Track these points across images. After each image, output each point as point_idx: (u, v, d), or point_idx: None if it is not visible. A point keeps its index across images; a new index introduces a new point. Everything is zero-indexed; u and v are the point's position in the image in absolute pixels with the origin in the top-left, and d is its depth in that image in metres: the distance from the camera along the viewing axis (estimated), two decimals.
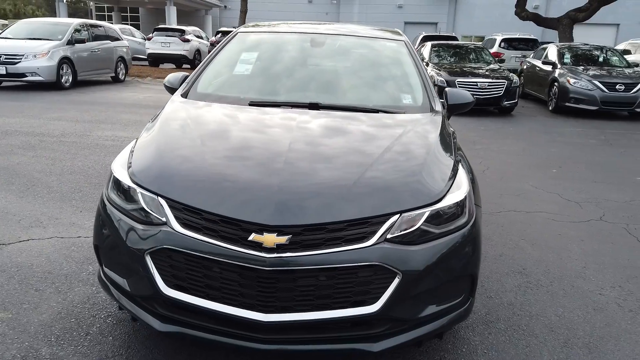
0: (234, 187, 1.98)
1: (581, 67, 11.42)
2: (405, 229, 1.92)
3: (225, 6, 35.97)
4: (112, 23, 23.94)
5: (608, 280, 3.25)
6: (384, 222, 1.90)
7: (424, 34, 18.59)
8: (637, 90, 10.40)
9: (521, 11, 18.06)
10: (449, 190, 2.10)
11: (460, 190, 2.13)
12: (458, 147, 2.61)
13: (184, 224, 1.91)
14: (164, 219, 1.94)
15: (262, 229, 1.83)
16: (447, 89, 3.37)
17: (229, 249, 1.83)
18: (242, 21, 21.82)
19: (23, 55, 10.80)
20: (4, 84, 11.73)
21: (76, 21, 12.70)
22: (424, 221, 1.95)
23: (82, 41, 12.22)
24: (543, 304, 2.91)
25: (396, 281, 1.86)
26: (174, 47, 19.37)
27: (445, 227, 2.00)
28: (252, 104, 2.86)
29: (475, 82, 10.35)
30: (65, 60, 11.48)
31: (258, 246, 1.82)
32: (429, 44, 12.75)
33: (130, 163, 2.22)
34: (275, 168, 2.08)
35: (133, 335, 2.42)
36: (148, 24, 34.50)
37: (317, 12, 34.37)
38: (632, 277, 3.32)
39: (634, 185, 5.60)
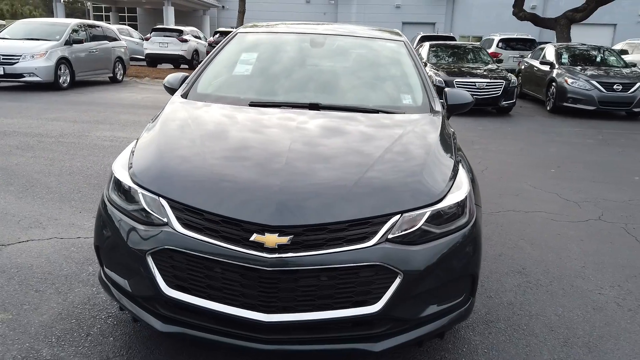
0: (236, 188, 1.99)
1: (579, 67, 11.45)
2: (406, 229, 1.92)
3: (223, 6, 35.97)
4: (109, 23, 23.90)
5: (607, 280, 3.27)
6: (385, 222, 1.90)
7: (422, 34, 18.61)
8: (635, 90, 10.43)
9: (519, 11, 18.11)
10: (449, 190, 2.10)
11: (460, 191, 2.14)
12: (458, 148, 2.62)
13: (185, 225, 1.91)
14: (165, 220, 1.94)
15: (263, 229, 1.83)
16: (446, 89, 3.38)
17: (231, 250, 1.83)
18: (241, 21, 21.81)
19: (21, 55, 10.78)
20: (1, 84, 11.69)
21: (74, 21, 12.68)
22: (425, 221, 1.96)
23: (80, 41, 12.20)
24: (543, 304, 2.92)
25: (397, 281, 1.86)
26: (172, 47, 19.35)
27: (446, 227, 2.01)
28: (253, 104, 2.86)
29: (474, 82, 10.37)
30: (63, 61, 11.47)
31: (259, 246, 1.82)
32: (427, 44, 12.77)
33: (131, 164, 2.22)
34: (276, 168, 2.08)
35: (134, 335, 2.42)
36: (146, 24, 34.47)
37: (315, 13, 34.39)
38: (631, 277, 3.33)
39: (632, 185, 5.62)
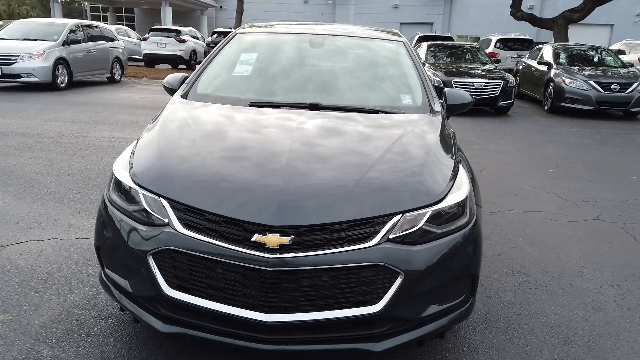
0: (237, 188, 1.99)
1: (576, 67, 11.48)
2: (407, 229, 1.93)
3: (221, 6, 35.94)
4: (107, 23, 23.87)
5: (606, 279, 3.28)
6: (386, 222, 1.91)
7: (420, 34, 18.64)
8: (632, 90, 10.47)
9: (516, 11, 18.15)
10: (450, 190, 2.11)
11: (461, 191, 2.14)
12: (458, 148, 2.63)
13: (187, 225, 1.91)
14: (166, 220, 1.94)
15: (265, 229, 1.83)
16: (446, 89, 3.38)
17: (232, 250, 1.83)
18: (239, 22, 21.80)
19: (18, 56, 10.76)
20: None
21: (72, 22, 12.66)
22: (426, 221, 1.96)
23: (78, 42, 12.17)
24: (542, 303, 2.93)
25: (399, 281, 1.87)
26: (170, 47, 19.33)
27: (446, 227, 2.01)
28: (253, 104, 2.86)
29: (472, 82, 10.39)
30: (60, 61, 11.44)
31: (261, 247, 1.82)
32: (425, 44, 12.79)
33: (132, 164, 2.22)
34: (276, 168, 2.08)
35: (134, 336, 2.42)
36: (143, 25, 34.42)
37: (313, 13, 34.39)
38: (630, 276, 3.34)
39: (630, 185, 5.64)
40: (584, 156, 7.09)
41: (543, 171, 6.09)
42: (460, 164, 2.38)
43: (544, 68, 11.94)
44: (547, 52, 12.41)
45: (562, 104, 10.80)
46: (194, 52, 20.22)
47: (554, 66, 11.58)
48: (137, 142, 2.48)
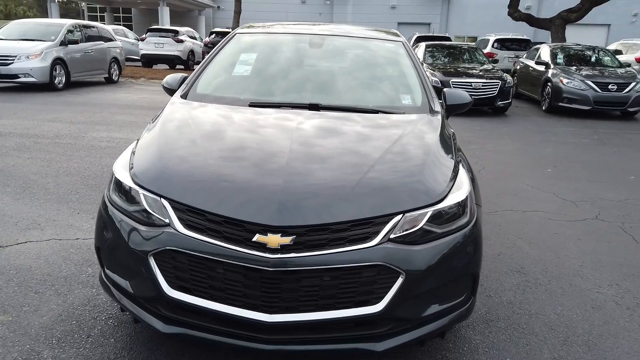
0: (238, 188, 1.99)
1: (574, 67, 11.51)
2: (408, 229, 1.93)
3: (218, 7, 35.88)
4: (104, 24, 23.82)
5: (605, 279, 3.29)
6: (387, 222, 1.91)
7: (418, 34, 18.66)
8: (629, 90, 10.50)
9: (514, 12, 18.17)
10: (450, 190, 2.11)
11: (461, 191, 2.14)
12: (458, 148, 2.63)
13: (188, 225, 1.90)
14: (166, 220, 1.94)
15: (266, 229, 1.83)
16: (445, 89, 3.39)
17: (233, 250, 1.83)
18: (236, 22, 21.74)
19: (16, 56, 10.73)
20: None
21: (69, 22, 12.62)
22: (427, 221, 1.97)
23: (75, 42, 12.15)
24: (542, 303, 2.94)
25: (400, 281, 1.87)
26: (168, 47, 19.31)
27: (447, 227, 2.02)
28: (253, 104, 2.86)
29: (470, 82, 10.40)
30: (58, 61, 11.41)
31: (262, 247, 1.82)
32: (423, 45, 12.81)
33: (132, 164, 2.22)
34: (277, 169, 2.08)
35: (135, 337, 2.42)
36: (141, 25, 34.36)
37: (311, 13, 34.38)
38: (629, 275, 3.35)
39: (628, 184, 5.65)
40: (582, 156, 7.11)
41: (541, 171, 6.11)
42: (461, 164, 2.38)
43: (541, 68, 11.97)
44: (545, 52, 12.44)
45: (560, 103, 10.83)
46: (191, 52, 20.20)
47: (552, 66, 11.61)
48: (137, 142, 2.47)
